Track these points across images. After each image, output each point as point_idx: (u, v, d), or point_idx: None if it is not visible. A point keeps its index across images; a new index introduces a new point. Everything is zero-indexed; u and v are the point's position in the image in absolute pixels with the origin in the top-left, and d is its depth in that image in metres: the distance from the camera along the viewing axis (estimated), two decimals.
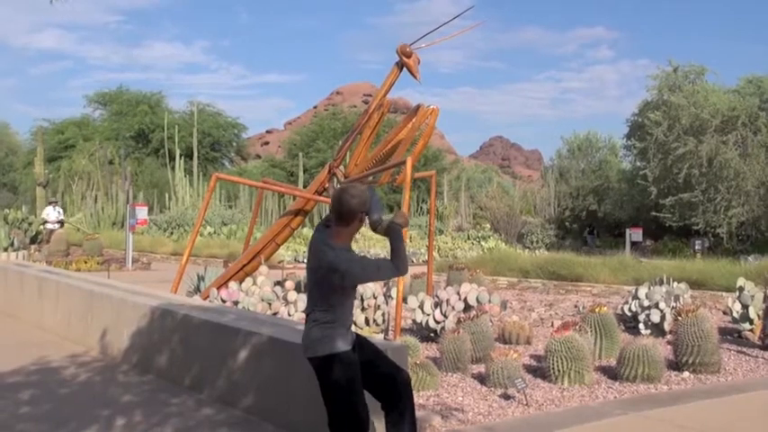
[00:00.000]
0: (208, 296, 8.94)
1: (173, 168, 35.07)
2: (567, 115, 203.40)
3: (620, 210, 35.54)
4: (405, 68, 8.80)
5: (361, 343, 3.82)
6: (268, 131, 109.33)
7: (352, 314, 3.81)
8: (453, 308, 8.18)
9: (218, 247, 22.24)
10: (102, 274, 13.89)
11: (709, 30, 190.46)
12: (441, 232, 30.49)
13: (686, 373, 6.81)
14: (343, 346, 3.64)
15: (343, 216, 3.69)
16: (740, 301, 8.94)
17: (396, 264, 3.69)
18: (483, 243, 27.81)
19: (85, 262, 17.90)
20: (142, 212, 21.10)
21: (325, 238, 3.70)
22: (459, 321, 7.48)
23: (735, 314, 8.96)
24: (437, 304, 8.26)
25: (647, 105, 32.70)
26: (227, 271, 10.25)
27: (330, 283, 3.63)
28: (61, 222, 23.69)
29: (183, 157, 35.16)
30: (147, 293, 7.63)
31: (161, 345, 6.37)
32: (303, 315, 8.09)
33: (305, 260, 23.17)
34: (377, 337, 7.24)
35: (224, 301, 8.31)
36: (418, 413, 5.16)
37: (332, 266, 3.59)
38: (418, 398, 5.68)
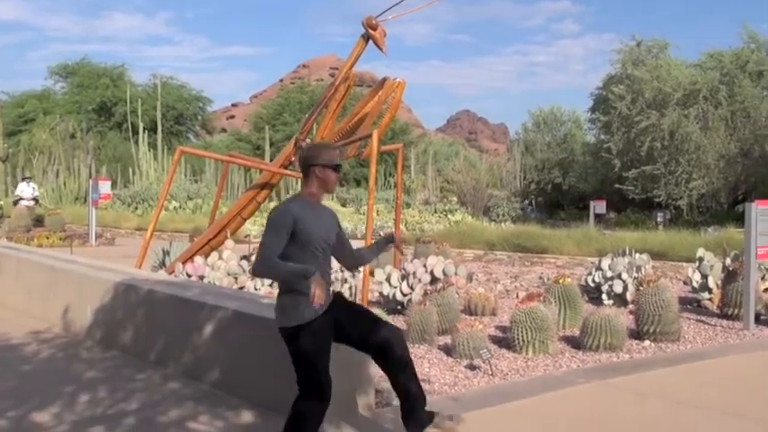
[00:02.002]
0: (173, 271, 8.86)
1: (136, 142, 34.46)
2: (533, 89, 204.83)
3: (584, 182, 35.95)
4: (371, 41, 8.73)
5: (338, 303, 3.77)
6: (234, 105, 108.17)
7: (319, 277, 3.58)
8: (420, 280, 8.23)
9: (184, 221, 22.02)
10: (64, 250, 13.67)
11: (672, 4, 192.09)
12: (408, 206, 30.53)
13: (647, 342, 6.96)
14: (308, 314, 3.56)
15: (301, 168, 3.73)
16: (700, 271, 9.14)
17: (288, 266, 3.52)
18: (450, 216, 27.94)
19: (47, 237, 17.60)
20: (105, 187, 20.78)
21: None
22: (425, 294, 7.53)
23: (694, 284, 9.17)
24: (404, 277, 8.30)
25: (611, 79, 32.99)
26: (192, 245, 10.16)
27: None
28: (35, 199, 23.06)
29: (146, 131, 34.55)
30: (110, 269, 7.53)
31: (125, 320, 6.30)
32: (269, 289, 8.09)
33: None
34: None
35: (189, 276, 8.24)
36: (386, 385, 5.20)
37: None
38: None
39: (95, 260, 8.73)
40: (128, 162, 35.51)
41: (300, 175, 9.28)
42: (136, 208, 28.01)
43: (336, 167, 3.69)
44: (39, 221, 21.02)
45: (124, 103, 41.80)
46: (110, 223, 23.33)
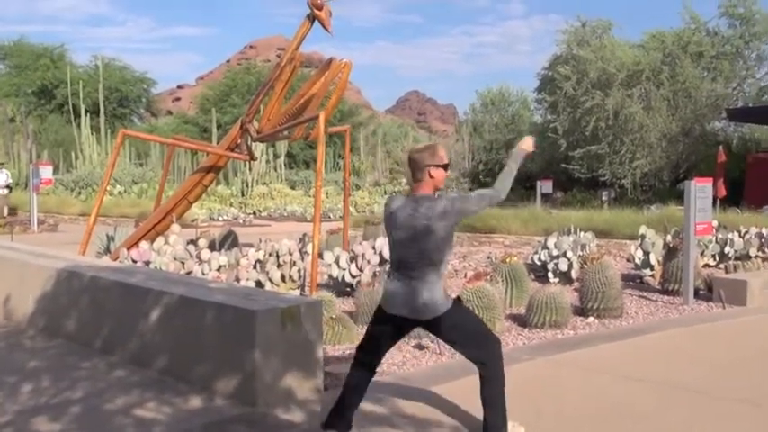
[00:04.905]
0: (118, 257, 8.71)
1: (78, 126, 33.53)
2: (481, 70, 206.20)
3: (531, 162, 36.31)
4: (316, 21, 8.66)
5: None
6: (179, 87, 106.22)
7: None
8: (369, 262, 8.24)
9: (129, 206, 21.64)
10: (5, 237, 13.29)
11: None
12: (357, 188, 30.51)
13: (591, 318, 7.13)
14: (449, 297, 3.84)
15: (415, 171, 3.80)
16: (642, 249, 9.39)
17: (496, 186, 3.85)
18: None
19: None
20: (46, 172, 20.21)
21: (411, 200, 3.77)
22: (374, 275, 7.56)
23: (637, 261, 9.41)
24: (353, 258, 8.31)
25: (556, 60, 33.39)
26: (137, 230, 9.99)
27: (438, 236, 3.67)
28: (9, 187, 22.04)
29: (89, 114, 33.64)
30: (52, 256, 7.35)
31: (69, 308, 6.17)
32: (217, 273, 8.00)
33: (219, 218, 22.56)
34: (293, 293, 7.25)
35: (135, 262, 8.11)
36: (337, 365, 5.22)
37: (442, 213, 3.66)
38: (334, 351, 5.75)
39: (37, 247, 8.51)
40: (70, 146, 34.54)
41: (247, 157, 9.27)
42: (79, 193, 27.37)
43: (446, 166, 3.86)
44: (12, 210, 20.46)
45: (65, 85, 40.47)
46: (52, 209, 22.76)
